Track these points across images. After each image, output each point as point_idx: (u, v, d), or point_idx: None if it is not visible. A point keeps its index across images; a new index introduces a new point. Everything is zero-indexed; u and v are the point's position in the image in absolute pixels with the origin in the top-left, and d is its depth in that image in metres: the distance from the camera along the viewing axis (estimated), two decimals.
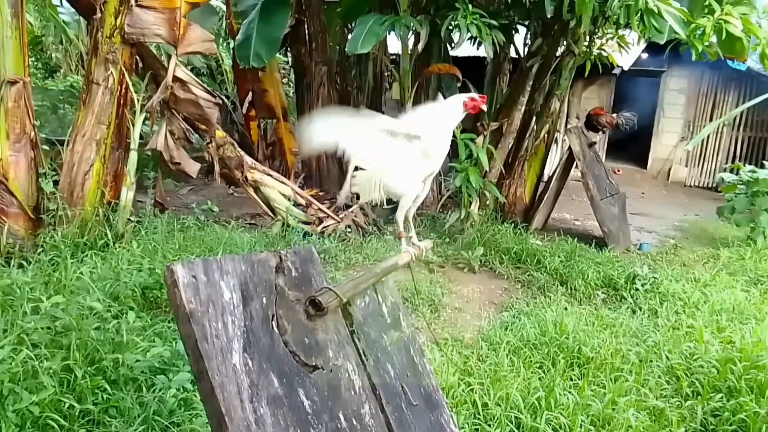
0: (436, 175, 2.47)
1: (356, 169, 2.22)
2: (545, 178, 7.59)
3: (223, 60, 10.70)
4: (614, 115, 7.40)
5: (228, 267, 1.38)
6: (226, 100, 9.11)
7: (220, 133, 5.69)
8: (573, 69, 6.82)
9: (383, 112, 9.25)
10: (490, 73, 7.67)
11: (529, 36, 6.97)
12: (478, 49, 6.97)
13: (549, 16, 5.76)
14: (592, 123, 7.21)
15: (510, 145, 6.99)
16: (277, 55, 8.65)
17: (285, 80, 10.31)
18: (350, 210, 5.95)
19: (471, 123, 6.69)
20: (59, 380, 2.56)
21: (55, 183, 4.71)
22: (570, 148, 6.71)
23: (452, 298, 4.72)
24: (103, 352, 2.78)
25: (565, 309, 4.35)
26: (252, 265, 1.45)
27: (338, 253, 5.29)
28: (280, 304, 1.48)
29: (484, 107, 2.25)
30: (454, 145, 4.99)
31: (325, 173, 7.74)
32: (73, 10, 9.52)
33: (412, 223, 2.33)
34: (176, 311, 1.26)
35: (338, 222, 5.92)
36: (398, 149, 2.12)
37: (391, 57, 9.04)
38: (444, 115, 2.26)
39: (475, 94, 2.28)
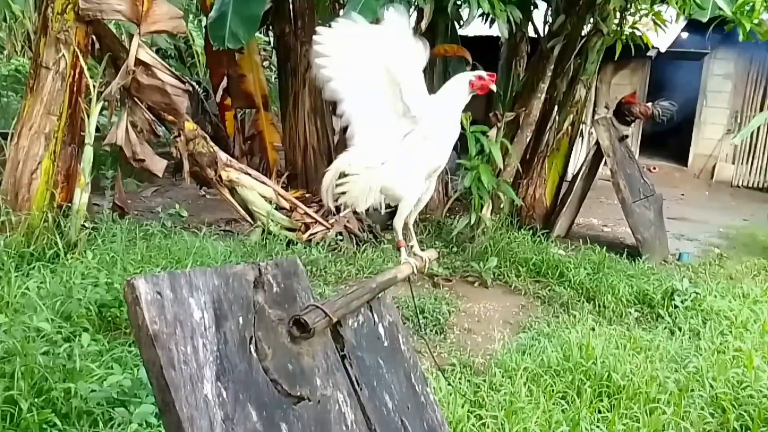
0: (441, 173, 2.47)
1: (342, 175, 2.20)
2: (569, 177, 7.62)
3: (193, 40, 10.74)
4: (649, 104, 7.45)
5: (199, 282, 1.38)
6: (197, 87, 9.12)
7: (190, 125, 5.70)
8: (601, 51, 6.86)
9: None
10: (504, 55, 7.72)
11: (550, 12, 7.01)
12: (490, 27, 7.01)
13: None
14: (623, 113, 7.25)
15: (528, 139, 7.02)
16: (257, 34, 8.67)
17: (266, 64, 10.33)
18: (341, 215, 5.96)
19: (482, 113, 6.72)
20: (1, 413, 2.56)
21: None
22: (597, 142, 6.74)
23: (461, 317, 4.72)
24: (53, 381, 2.77)
25: (593, 329, 4.35)
26: (227, 279, 1.46)
27: (327, 264, 5.30)
28: (259, 324, 1.48)
29: (494, 87, 2.25)
30: (462, 139, 5.03)
31: (312, 172, 7.74)
32: None
33: (414, 229, 2.33)
34: (138, 333, 1.26)
35: (328, 228, 5.93)
36: (398, 134, 2.12)
37: None
38: (447, 95, 2.25)
39: (483, 72, 2.27)
